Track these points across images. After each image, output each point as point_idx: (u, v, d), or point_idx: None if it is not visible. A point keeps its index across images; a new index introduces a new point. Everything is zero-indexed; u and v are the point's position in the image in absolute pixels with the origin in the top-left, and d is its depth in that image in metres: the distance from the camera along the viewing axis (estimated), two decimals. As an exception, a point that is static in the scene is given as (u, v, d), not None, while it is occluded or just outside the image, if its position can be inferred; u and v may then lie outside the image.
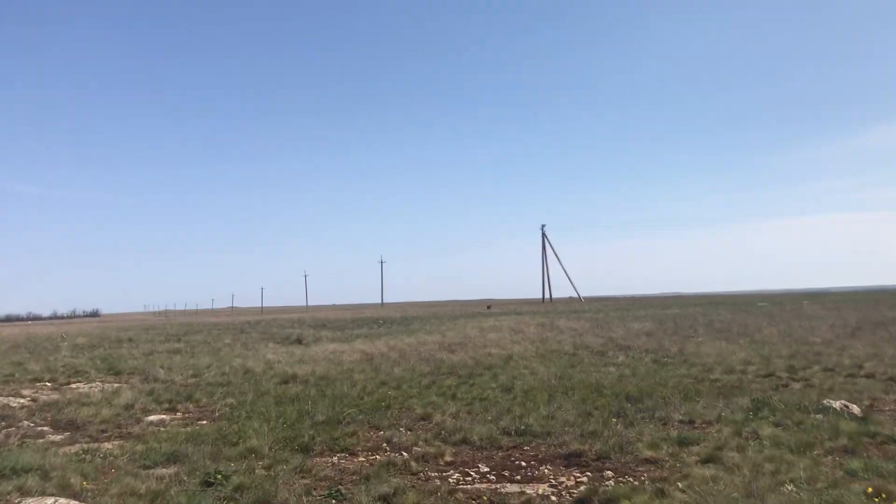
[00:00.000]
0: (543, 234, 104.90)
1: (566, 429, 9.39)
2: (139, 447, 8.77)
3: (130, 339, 29.97)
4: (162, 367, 18.53)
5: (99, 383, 16.23)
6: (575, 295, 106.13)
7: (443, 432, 9.47)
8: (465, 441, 9.00)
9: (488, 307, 78.79)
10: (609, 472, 7.43)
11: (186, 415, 11.93)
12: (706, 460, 7.51)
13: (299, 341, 26.43)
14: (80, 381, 16.61)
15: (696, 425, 9.60)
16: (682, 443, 8.39)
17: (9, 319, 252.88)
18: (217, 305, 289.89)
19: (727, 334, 23.04)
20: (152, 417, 11.49)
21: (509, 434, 9.28)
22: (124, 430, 10.31)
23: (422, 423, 10.46)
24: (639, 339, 21.61)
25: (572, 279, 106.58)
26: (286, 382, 15.15)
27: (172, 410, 12.33)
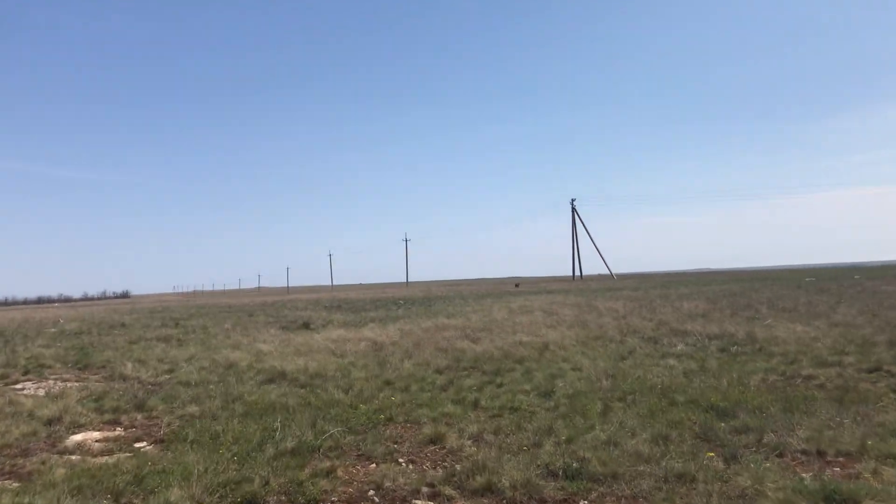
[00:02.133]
0: (574, 209, 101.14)
1: (639, 466, 6.38)
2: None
3: (123, 325, 27.48)
4: (136, 359, 15.87)
5: (52, 381, 13.57)
6: (607, 272, 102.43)
7: (458, 469, 6.52)
8: (489, 489, 6.03)
9: (516, 285, 75.67)
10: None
11: (127, 431, 9.13)
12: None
13: (307, 326, 23.68)
14: (31, 379, 13.98)
15: (830, 459, 6.52)
16: (833, 500, 5.33)
17: (39, 302, 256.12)
18: (245, 286, 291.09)
19: (795, 314, 19.72)
20: (78, 437, 8.71)
21: (555, 475, 6.29)
22: (19, 464, 7.50)
23: (431, 448, 7.53)
24: (694, 322, 18.43)
25: (604, 255, 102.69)
26: (270, 381, 12.33)
27: (113, 424, 9.56)
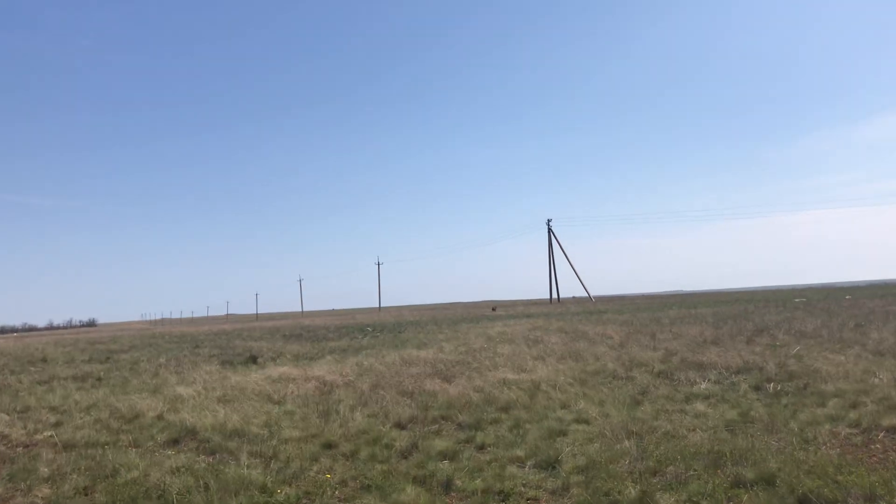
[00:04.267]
0: (550, 230, 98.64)
1: None
2: None
3: (45, 360, 23.88)
4: (21, 408, 12.59)
5: None
6: (584, 294, 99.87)
7: None
8: None
9: (493, 309, 72.72)
10: None
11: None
12: None
13: (253, 360, 20.42)
14: None
15: None
16: None
17: (2, 331, 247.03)
18: (214, 313, 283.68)
19: (820, 340, 16.98)
20: None
21: None
22: None
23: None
24: (707, 352, 15.60)
25: (581, 277, 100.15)
26: (173, 443, 9.19)
27: None
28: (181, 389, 13.21)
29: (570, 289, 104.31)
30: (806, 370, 12.40)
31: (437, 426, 9.49)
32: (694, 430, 8.64)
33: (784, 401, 10.12)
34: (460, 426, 9.47)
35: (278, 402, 11.87)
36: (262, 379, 14.43)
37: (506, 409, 10.29)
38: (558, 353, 16.90)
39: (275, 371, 15.55)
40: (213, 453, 8.46)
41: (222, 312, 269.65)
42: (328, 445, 8.52)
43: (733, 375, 12.58)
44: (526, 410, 10.14)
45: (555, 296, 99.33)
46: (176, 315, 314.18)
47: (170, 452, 8.61)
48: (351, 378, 14.17)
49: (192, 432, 9.61)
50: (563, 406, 10.41)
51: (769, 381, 11.82)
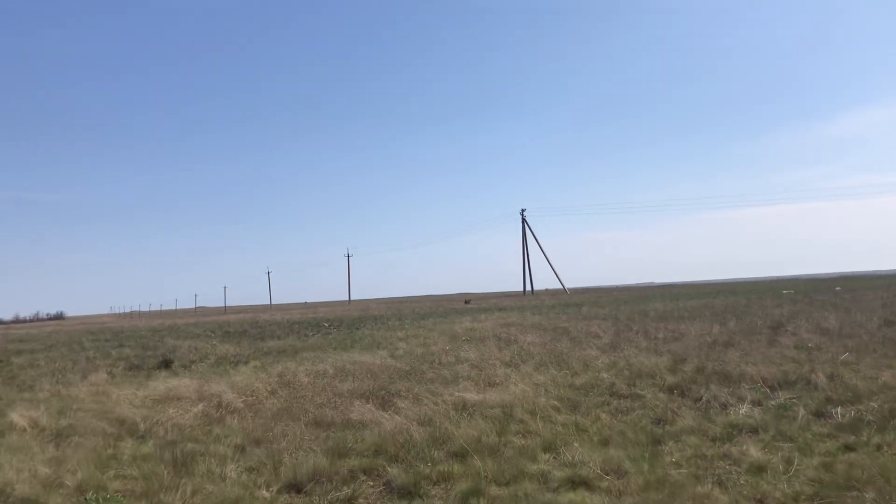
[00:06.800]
0: (524, 220, 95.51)
1: None
2: None
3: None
4: None
5: None
6: (558, 286, 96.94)
7: None
8: None
9: (466, 302, 69.28)
10: None
11: None
12: None
13: (167, 364, 16.73)
14: None
15: None
16: None
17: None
18: (183, 305, 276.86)
19: (859, 341, 13.69)
20: None
21: None
22: None
23: None
24: (724, 355, 12.31)
25: (555, 269, 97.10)
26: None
27: None
28: (21, 415, 9.50)
29: (544, 281, 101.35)
30: (875, 386, 9.11)
31: (351, 488, 5.99)
32: (763, 501, 5.29)
33: (876, 439, 6.79)
34: (388, 487, 6.01)
35: (142, 437, 8.29)
36: (145, 397, 10.80)
37: (461, 455, 6.79)
38: (536, 358, 13.48)
39: (171, 383, 11.88)
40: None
41: (191, 305, 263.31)
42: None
43: (775, 392, 9.26)
44: (492, 457, 6.67)
45: (529, 288, 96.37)
46: (145, 308, 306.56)
47: None
48: (263, 395, 10.61)
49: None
50: (548, 448, 6.97)
51: (829, 401, 8.51)
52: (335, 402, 9.52)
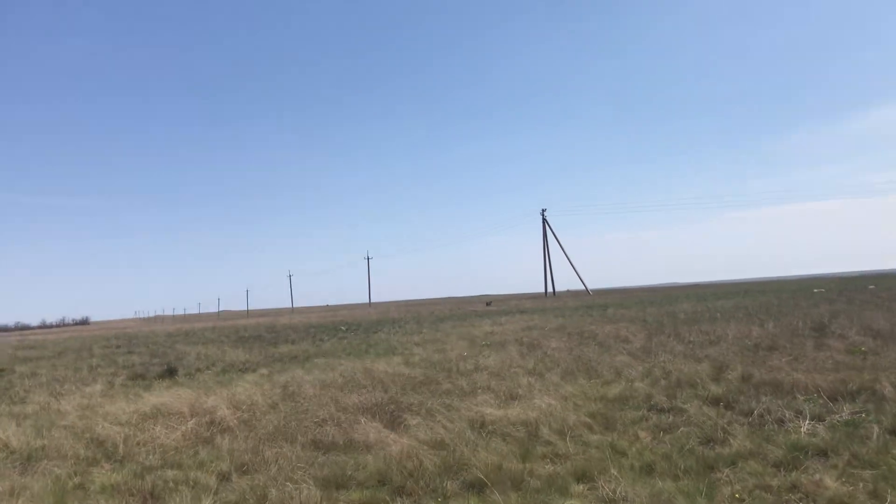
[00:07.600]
0: (544, 220, 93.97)
1: None
2: None
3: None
4: None
5: None
6: (580, 287, 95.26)
7: None
8: None
9: (488, 304, 68.11)
10: None
11: None
12: None
13: (171, 373, 15.88)
14: None
15: None
16: None
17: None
18: (207, 309, 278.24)
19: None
20: None
21: None
22: None
23: None
24: (768, 361, 11.16)
25: (577, 269, 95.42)
26: None
27: None
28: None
29: (565, 282, 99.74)
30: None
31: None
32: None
33: (976, 466, 5.66)
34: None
35: (119, 461, 7.37)
36: (133, 412, 9.90)
37: (479, 486, 5.78)
38: (563, 366, 12.40)
39: (165, 397, 10.98)
40: None
41: (215, 309, 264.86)
42: None
43: (836, 404, 8.12)
44: (515, 489, 5.64)
45: (550, 289, 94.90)
46: (169, 312, 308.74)
47: None
48: (264, 408, 9.67)
49: None
50: (581, 477, 5.93)
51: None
52: (339, 417, 8.54)
